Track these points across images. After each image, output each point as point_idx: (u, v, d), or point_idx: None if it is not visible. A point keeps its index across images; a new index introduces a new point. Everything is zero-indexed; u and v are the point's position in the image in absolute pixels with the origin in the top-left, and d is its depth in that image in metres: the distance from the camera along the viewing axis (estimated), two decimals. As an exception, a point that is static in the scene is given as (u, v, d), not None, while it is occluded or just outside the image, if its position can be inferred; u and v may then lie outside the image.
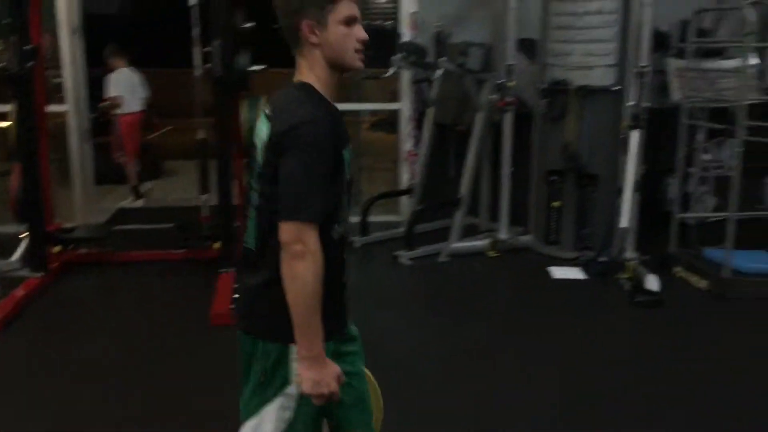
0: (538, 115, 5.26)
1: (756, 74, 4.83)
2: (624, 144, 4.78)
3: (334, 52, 1.70)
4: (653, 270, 4.58)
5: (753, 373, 3.52)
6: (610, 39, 4.84)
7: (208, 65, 4.60)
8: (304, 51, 1.71)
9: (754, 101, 4.66)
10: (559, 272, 4.88)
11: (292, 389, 1.74)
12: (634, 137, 4.72)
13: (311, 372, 1.67)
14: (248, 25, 4.80)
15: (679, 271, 4.80)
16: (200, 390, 3.30)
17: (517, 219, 5.43)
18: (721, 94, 4.87)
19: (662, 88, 5.10)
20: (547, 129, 5.16)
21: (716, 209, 5.33)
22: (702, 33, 5.13)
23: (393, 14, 6.06)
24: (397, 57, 5.38)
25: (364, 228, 5.53)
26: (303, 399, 1.73)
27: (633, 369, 3.58)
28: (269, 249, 1.70)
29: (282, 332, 1.69)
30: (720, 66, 4.96)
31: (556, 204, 5.15)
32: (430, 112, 5.60)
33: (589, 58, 4.88)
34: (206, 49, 4.60)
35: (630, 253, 4.78)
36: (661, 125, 5.07)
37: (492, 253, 5.22)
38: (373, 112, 7.20)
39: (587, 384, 3.41)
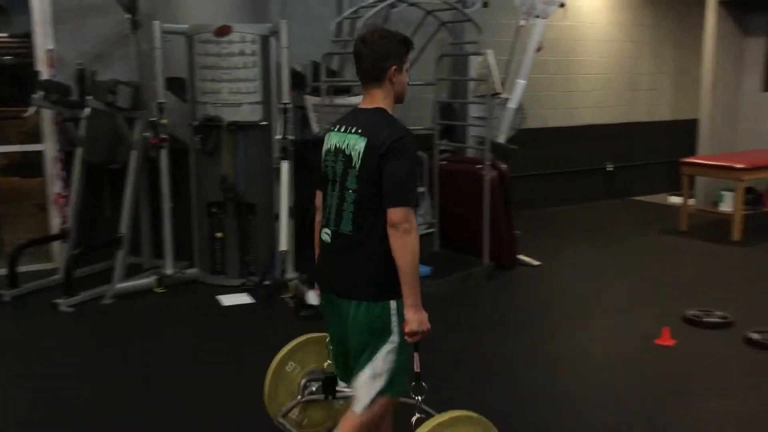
0: (194, 151, 5.42)
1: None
2: (277, 174, 5.19)
3: (401, 89, 2.43)
4: (311, 286, 5.03)
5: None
6: (255, 78, 5.23)
7: None
8: (384, 86, 2.38)
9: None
10: (227, 300, 5.08)
11: (394, 337, 2.35)
12: (285, 167, 5.16)
13: (417, 315, 2.28)
14: None
15: (333, 284, 5.34)
16: None
17: (182, 253, 5.49)
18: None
19: (304, 122, 5.66)
20: (204, 163, 5.35)
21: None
22: (331, 73, 5.82)
23: (24, 50, 5.69)
24: (37, 96, 5.11)
25: (13, 279, 5.08)
26: (403, 342, 2.33)
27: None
28: (373, 231, 2.30)
29: (386, 294, 2.32)
30: (349, 102, 5.68)
31: (218, 235, 5.36)
32: (79, 152, 5.39)
33: (236, 96, 5.20)
34: None
35: (291, 274, 5.20)
36: (306, 156, 5.58)
37: (159, 289, 5.21)
38: (3, 155, 6.59)
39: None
